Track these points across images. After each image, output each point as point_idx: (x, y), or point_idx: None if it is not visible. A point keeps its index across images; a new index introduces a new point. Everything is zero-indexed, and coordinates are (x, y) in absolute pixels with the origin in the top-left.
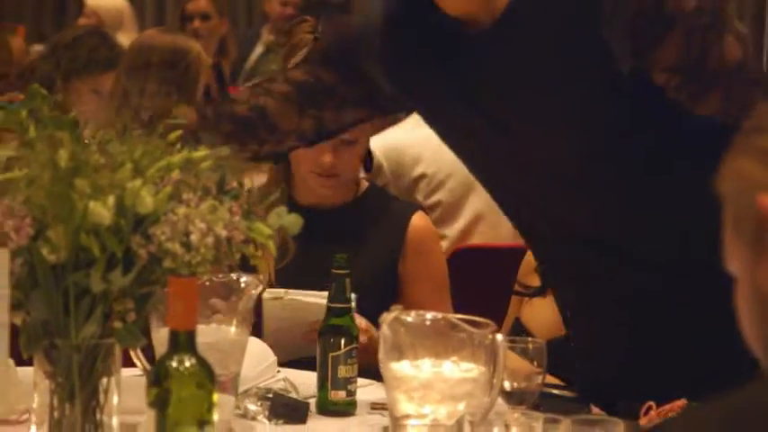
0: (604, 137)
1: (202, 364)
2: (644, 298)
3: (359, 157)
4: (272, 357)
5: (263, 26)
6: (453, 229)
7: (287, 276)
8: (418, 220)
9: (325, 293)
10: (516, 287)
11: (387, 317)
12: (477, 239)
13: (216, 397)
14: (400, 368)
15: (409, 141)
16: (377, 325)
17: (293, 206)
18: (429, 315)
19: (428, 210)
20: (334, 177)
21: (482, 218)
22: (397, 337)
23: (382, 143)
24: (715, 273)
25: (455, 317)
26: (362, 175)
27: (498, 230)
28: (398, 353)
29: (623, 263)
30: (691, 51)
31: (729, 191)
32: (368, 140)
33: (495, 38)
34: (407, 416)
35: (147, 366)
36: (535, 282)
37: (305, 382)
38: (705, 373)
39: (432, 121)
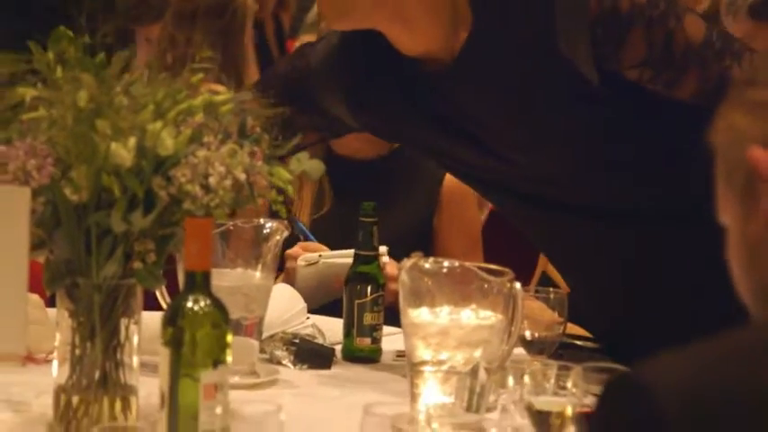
0: (587, 148)
1: (217, 304)
2: (641, 260)
3: None
4: (301, 304)
5: None
6: None
7: (324, 226)
8: None
9: None
10: None
11: (406, 263)
12: None
13: (230, 338)
14: (418, 314)
15: None
16: None
17: (332, 156)
18: (447, 262)
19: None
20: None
21: None
22: (416, 283)
23: None
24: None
25: (473, 265)
26: None
27: None
28: (417, 299)
29: (618, 225)
30: (655, 43)
31: (721, 143)
32: None
33: (456, 75)
34: (424, 362)
35: None
36: None
37: (333, 328)
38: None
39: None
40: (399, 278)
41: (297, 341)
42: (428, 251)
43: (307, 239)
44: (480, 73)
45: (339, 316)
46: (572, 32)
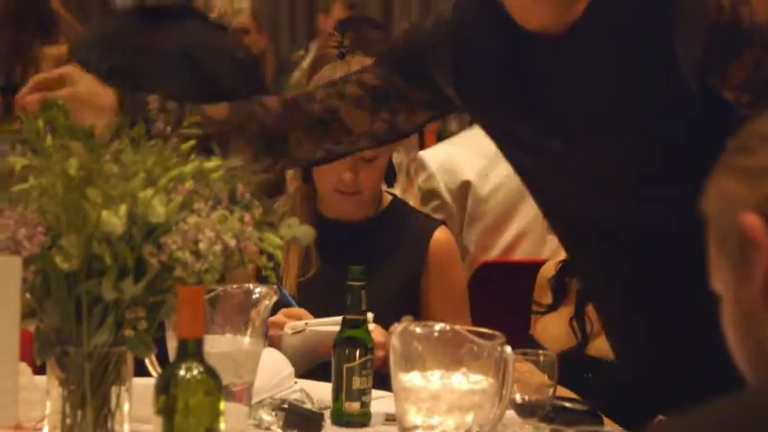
0: (661, 151)
1: (210, 372)
2: (677, 306)
3: (380, 174)
4: (288, 368)
5: (312, 42)
6: (498, 244)
7: (310, 289)
8: (440, 234)
9: None
10: (533, 306)
11: (396, 327)
12: (522, 253)
13: (223, 405)
14: (409, 379)
15: (460, 152)
16: None
17: (319, 219)
18: (438, 326)
19: (473, 221)
20: (357, 195)
21: (526, 234)
22: (407, 347)
23: (433, 154)
24: None
25: (464, 328)
26: (385, 188)
27: (542, 248)
28: (408, 363)
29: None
30: (764, 68)
31: (713, 210)
32: (388, 156)
33: (567, 45)
34: (416, 426)
35: None
36: (548, 299)
37: (321, 392)
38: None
39: (490, 128)
40: (390, 342)
41: (286, 406)
42: (415, 313)
43: (288, 305)
44: (590, 47)
45: (327, 380)
46: (689, 31)
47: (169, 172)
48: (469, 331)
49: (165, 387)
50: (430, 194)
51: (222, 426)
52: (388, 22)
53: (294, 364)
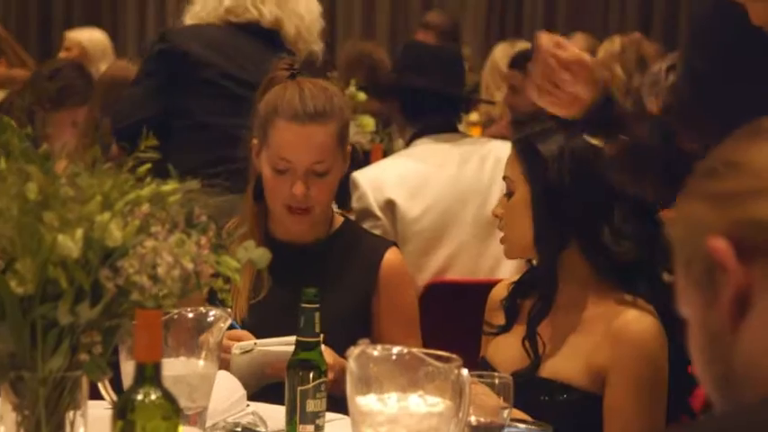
0: None
1: (168, 396)
2: None
3: (331, 191)
4: (240, 391)
5: None
6: (429, 266)
7: (261, 312)
8: (391, 255)
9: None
10: (484, 327)
11: (353, 351)
12: (454, 274)
13: (181, 430)
14: (366, 402)
15: (386, 171)
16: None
17: (270, 241)
18: (395, 349)
19: (403, 243)
20: (307, 214)
21: (457, 257)
22: (364, 371)
23: (363, 174)
24: None
25: (421, 351)
26: (336, 209)
27: (475, 270)
28: (365, 387)
29: None
30: None
31: (679, 236)
32: (339, 175)
33: None
34: None
35: (116, 399)
36: (499, 320)
37: (273, 416)
38: None
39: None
40: (347, 365)
41: (239, 430)
42: (367, 335)
43: (232, 328)
44: None
45: (278, 402)
46: None
47: (126, 195)
48: (426, 354)
49: (123, 412)
50: (363, 213)
51: None
52: (332, 41)
53: (243, 383)
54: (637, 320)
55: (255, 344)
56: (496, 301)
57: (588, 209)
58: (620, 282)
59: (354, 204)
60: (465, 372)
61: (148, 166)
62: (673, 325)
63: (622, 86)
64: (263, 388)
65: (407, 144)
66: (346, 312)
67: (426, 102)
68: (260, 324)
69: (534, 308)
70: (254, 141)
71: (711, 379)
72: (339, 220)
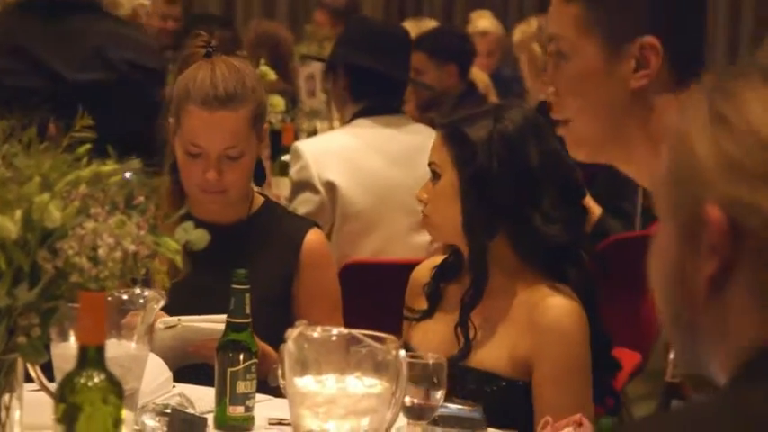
0: None
1: (111, 379)
2: None
3: (246, 174)
4: (167, 373)
5: None
6: (368, 245)
7: (179, 293)
8: (312, 236)
9: (219, 317)
10: (405, 311)
11: (292, 332)
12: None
13: (124, 413)
14: (304, 384)
15: (331, 148)
16: (273, 342)
17: (190, 220)
18: (335, 330)
19: (347, 219)
20: (222, 194)
21: (393, 241)
22: (302, 352)
23: (309, 144)
24: None
25: (360, 332)
26: (256, 189)
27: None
28: (302, 368)
29: None
30: None
31: (677, 165)
32: (255, 156)
33: None
34: (311, 431)
35: (45, 382)
36: (421, 304)
37: (200, 397)
38: None
39: None
40: (285, 347)
41: (168, 411)
42: (289, 316)
43: None
44: None
45: (203, 383)
46: None
47: (66, 176)
48: (365, 335)
49: (66, 394)
50: (302, 185)
51: None
52: (231, 20)
53: (165, 359)
54: (557, 307)
55: (180, 320)
56: (418, 284)
57: (518, 194)
58: (548, 269)
59: (294, 176)
60: (402, 352)
61: (88, 146)
62: (595, 310)
63: (542, 64)
64: (188, 369)
65: (347, 122)
66: (267, 294)
67: (374, 82)
68: (178, 306)
69: (466, 295)
70: (171, 121)
71: (671, 317)
72: (259, 200)
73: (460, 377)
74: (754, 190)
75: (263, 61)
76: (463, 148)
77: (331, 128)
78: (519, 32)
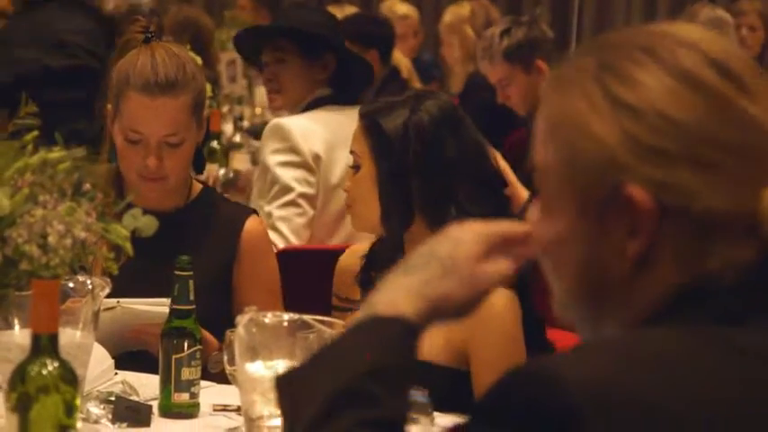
0: None
1: (65, 366)
2: None
3: (186, 160)
4: (109, 360)
5: None
6: (341, 231)
7: (120, 282)
8: (252, 223)
9: (159, 300)
10: (335, 301)
11: (242, 318)
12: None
13: (78, 401)
14: (255, 369)
15: (312, 125)
16: (214, 329)
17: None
18: (287, 316)
19: (328, 201)
20: (161, 181)
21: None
22: (252, 338)
23: (292, 119)
24: None
25: (309, 317)
26: (194, 176)
27: None
28: (252, 354)
29: None
30: None
31: (587, 152)
32: (194, 143)
33: None
34: (262, 417)
35: None
36: (354, 293)
37: (143, 383)
38: None
39: None
40: (236, 333)
41: (113, 399)
42: (228, 304)
43: None
44: None
45: (145, 371)
46: None
47: (13, 163)
48: (314, 320)
49: (19, 383)
50: (296, 165)
51: (79, 424)
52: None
53: (105, 344)
54: (494, 296)
55: (119, 302)
56: (346, 272)
57: (433, 187)
58: None
59: (277, 157)
60: None
61: (35, 133)
62: (525, 292)
63: (472, 47)
64: (128, 356)
65: (305, 108)
66: (207, 281)
67: (356, 69)
68: (116, 293)
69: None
70: (109, 107)
71: (579, 299)
72: (198, 187)
73: None
74: (671, 168)
75: (188, 47)
76: (380, 140)
77: (254, 114)
78: (451, 15)
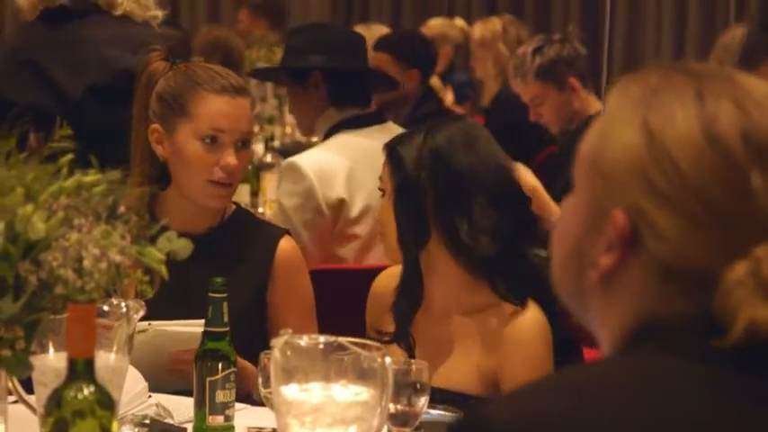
0: None
1: (101, 391)
2: None
3: (248, 163)
4: (142, 383)
5: None
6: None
7: (153, 304)
8: (286, 244)
9: (192, 321)
10: (369, 331)
11: (278, 341)
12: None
13: (115, 426)
14: (290, 392)
15: (332, 162)
16: (248, 351)
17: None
18: (322, 338)
19: (347, 240)
20: (229, 188)
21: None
22: (287, 360)
23: (309, 158)
24: None
25: (345, 339)
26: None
27: None
28: (288, 377)
29: None
30: None
31: (600, 152)
32: None
33: None
34: None
35: (24, 394)
36: (390, 326)
37: (177, 407)
38: None
39: None
40: (271, 355)
41: (148, 422)
42: (263, 326)
43: None
44: None
45: (179, 393)
46: None
47: (49, 187)
48: (350, 342)
49: (56, 408)
50: (304, 208)
51: None
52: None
53: (138, 365)
54: (523, 321)
55: (150, 324)
56: (380, 295)
57: (446, 201)
58: (489, 275)
59: (290, 200)
60: (388, 359)
61: (70, 156)
62: (554, 314)
63: (506, 64)
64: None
65: (326, 136)
66: (241, 303)
67: (357, 87)
68: (150, 318)
69: (400, 305)
70: (155, 126)
71: (566, 287)
72: (231, 207)
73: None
74: (659, 208)
75: None
76: (396, 163)
77: (284, 134)
78: (484, 31)
